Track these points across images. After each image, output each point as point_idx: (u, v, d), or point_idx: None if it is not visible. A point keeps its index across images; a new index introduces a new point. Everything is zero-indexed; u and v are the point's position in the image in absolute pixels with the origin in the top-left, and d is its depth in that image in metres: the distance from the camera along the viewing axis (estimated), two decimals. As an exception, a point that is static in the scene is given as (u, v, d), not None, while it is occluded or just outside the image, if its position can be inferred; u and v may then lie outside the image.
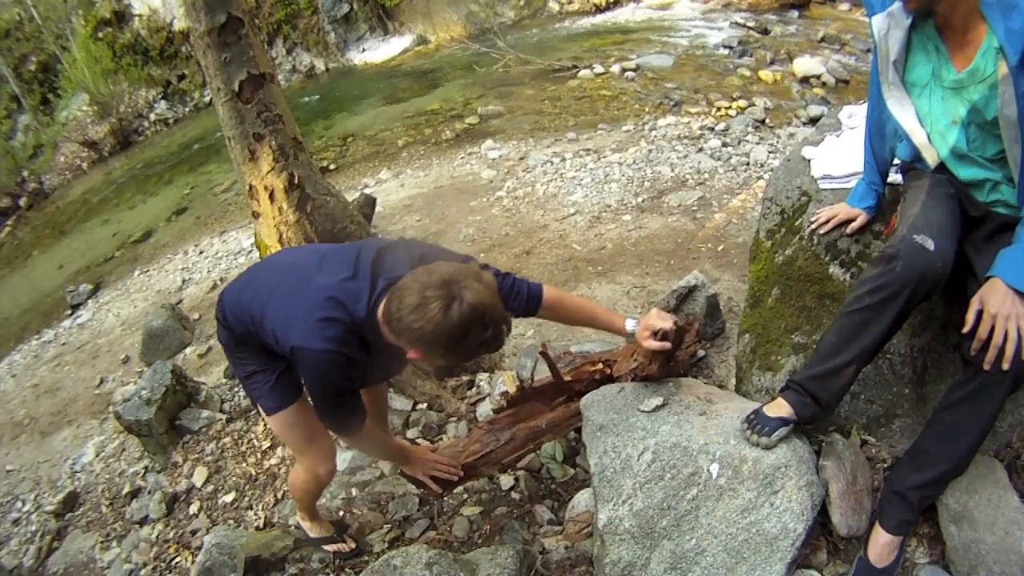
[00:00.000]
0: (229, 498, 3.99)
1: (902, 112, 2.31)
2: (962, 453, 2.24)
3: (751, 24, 12.43)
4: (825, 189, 2.80)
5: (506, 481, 3.38)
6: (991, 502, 2.28)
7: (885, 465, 2.58)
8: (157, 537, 4.00)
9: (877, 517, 2.34)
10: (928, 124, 2.27)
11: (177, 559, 3.79)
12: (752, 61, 11.01)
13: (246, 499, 3.95)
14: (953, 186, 2.29)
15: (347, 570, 3.15)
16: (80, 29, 15.74)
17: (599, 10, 15.05)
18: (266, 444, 4.24)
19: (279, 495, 3.88)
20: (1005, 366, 1.98)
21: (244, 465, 4.16)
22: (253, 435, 4.35)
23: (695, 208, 6.58)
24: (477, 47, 13.32)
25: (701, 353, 3.82)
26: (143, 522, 4.18)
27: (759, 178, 6.95)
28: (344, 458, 3.71)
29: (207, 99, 14.63)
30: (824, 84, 9.84)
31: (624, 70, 11.34)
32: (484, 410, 3.92)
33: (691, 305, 3.97)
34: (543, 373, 3.19)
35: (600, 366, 3.12)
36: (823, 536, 2.38)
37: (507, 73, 12.37)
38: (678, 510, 2.28)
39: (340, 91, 14.55)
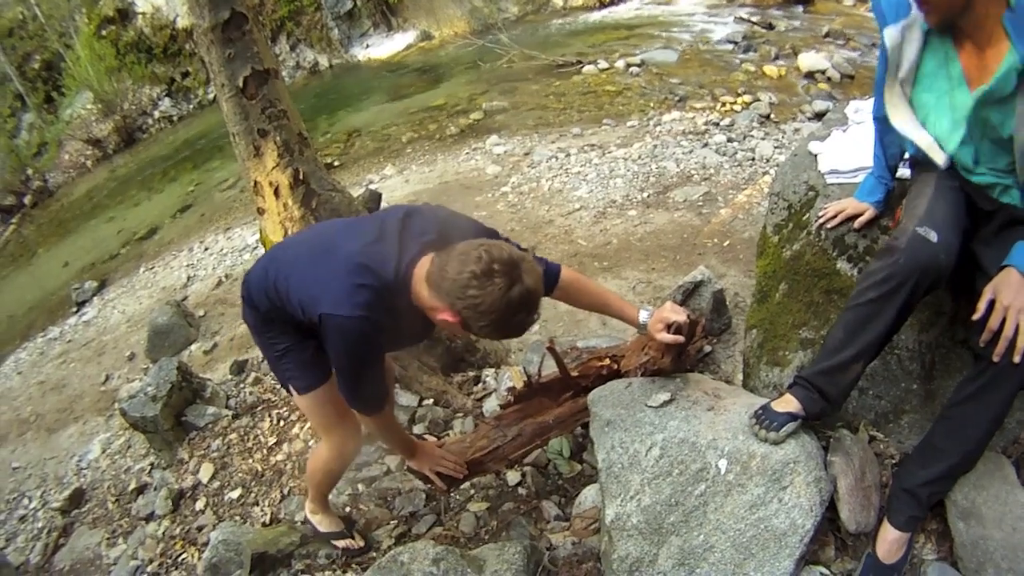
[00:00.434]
0: (235, 494, 3.99)
1: (907, 126, 2.28)
2: (971, 449, 2.23)
3: (756, 19, 12.40)
4: (832, 184, 2.79)
5: (513, 477, 3.37)
6: (999, 498, 2.27)
7: (893, 461, 2.58)
8: (163, 533, 4.00)
9: (885, 513, 2.33)
10: (934, 130, 2.24)
11: (183, 555, 3.80)
12: (757, 56, 10.99)
13: (252, 495, 3.95)
14: (960, 180, 2.27)
15: (353, 566, 3.14)
16: (84, 27, 15.76)
17: (603, 5, 15.04)
18: (272, 440, 4.24)
19: (285, 491, 3.88)
20: (1016, 359, 1.97)
21: (250, 461, 4.16)
22: (259, 431, 4.35)
23: (700, 203, 6.57)
24: (481, 43, 13.30)
25: (708, 348, 3.81)
26: (149, 518, 4.18)
27: (764, 173, 6.93)
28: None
29: (211, 96, 14.63)
30: (829, 79, 9.81)
31: (628, 65, 11.32)
32: (490, 406, 3.91)
33: (697, 300, 3.96)
34: (550, 369, 3.18)
35: (607, 361, 3.11)
36: (831, 532, 2.37)
37: (511, 69, 12.36)
38: (686, 506, 2.27)
39: (344, 87, 14.54)
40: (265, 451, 4.19)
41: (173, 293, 8.05)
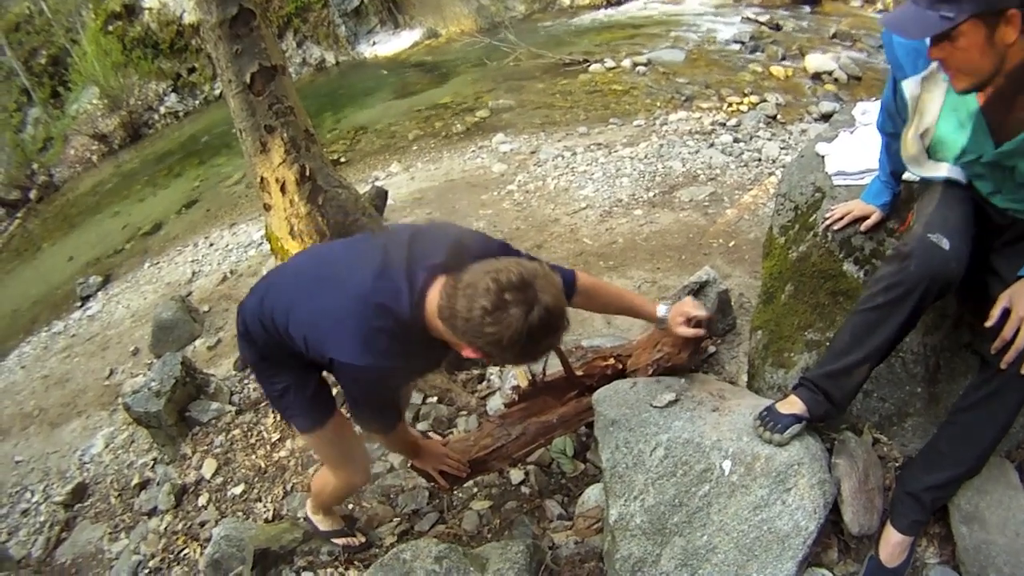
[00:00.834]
0: (238, 490, 4.00)
1: (921, 168, 2.25)
2: (976, 456, 2.23)
3: (763, 19, 12.37)
4: (839, 186, 2.79)
5: (516, 475, 3.38)
6: (1002, 503, 2.27)
7: (897, 464, 2.58)
8: (166, 529, 4.01)
9: (889, 516, 2.33)
10: (940, 133, 2.16)
11: (186, 551, 3.80)
12: (764, 57, 10.95)
13: (255, 491, 3.95)
14: (972, 188, 2.25)
15: (356, 563, 3.15)
16: (90, 22, 15.75)
17: (610, 4, 15.01)
18: (275, 436, 4.25)
19: (288, 487, 3.88)
20: None
21: (253, 457, 4.17)
22: (263, 427, 4.35)
23: (706, 203, 6.55)
24: (488, 41, 13.28)
25: (712, 349, 3.80)
26: (152, 513, 4.19)
27: (771, 174, 6.91)
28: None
29: (217, 92, 14.62)
30: (836, 80, 9.78)
31: (635, 65, 11.29)
32: (494, 404, 3.91)
33: (702, 301, 3.95)
34: (555, 368, 3.18)
35: (612, 361, 3.11)
36: (834, 534, 2.37)
37: (518, 67, 12.34)
38: (690, 506, 2.27)
39: (350, 84, 14.54)
40: (268, 447, 4.20)
41: (177, 288, 8.04)
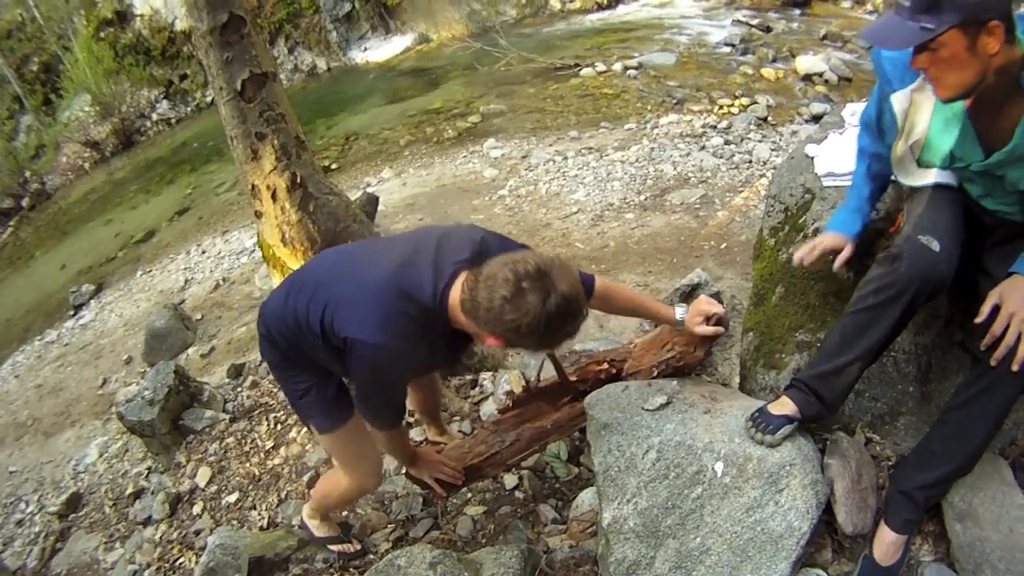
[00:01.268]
0: (233, 498, 3.99)
1: (912, 179, 2.26)
2: (969, 453, 2.22)
3: (753, 22, 12.41)
4: (828, 187, 2.79)
5: (510, 480, 3.38)
6: (996, 500, 2.27)
7: (890, 463, 2.58)
8: (161, 538, 4.00)
9: (882, 515, 2.33)
10: (928, 134, 2.17)
11: (181, 560, 3.80)
12: (754, 59, 10.99)
13: (250, 499, 3.95)
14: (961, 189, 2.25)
15: (351, 570, 3.14)
16: (82, 29, 15.75)
17: (601, 8, 15.04)
18: (269, 444, 4.24)
19: (283, 495, 3.87)
20: (1015, 367, 1.96)
21: (248, 465, 4.16)
22: (257, 435, 4.35)
23: (698, 206, 6.58)
24: (479, 46, 13.30)
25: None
26: (147, 523, 4.18)
27: (762, 176, 6.94)
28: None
29: (209, 99, 14.62)
30: (827, 82, 9.81)
31: (626, 68, 11.32)
32: (488, 409, 3.91)
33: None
34: (549, 373, 3.18)
35: (606, 365, 3.12)
36: (828, 534, 2.37)
37: (509, 72, 12.36)
38: (683, 509, 2.27)
39: (342, 90, 14.54)
40: (262, 455, 4.19)
41: (170, 296, 8.04)
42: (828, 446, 2.43)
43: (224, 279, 7.89)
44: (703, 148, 7.97)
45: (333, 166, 10.65)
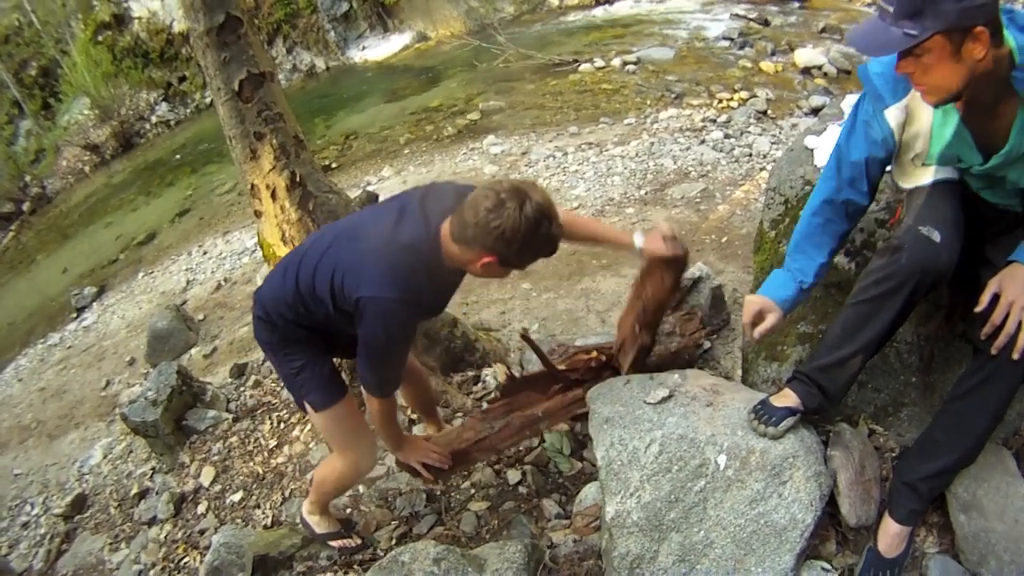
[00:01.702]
0: (236, 497, 4.00)
1: (909, 181, 2.25)
2: (972, 443, 2.22)
3: (751, 15, 12.38)
4: (828, 178, 2.79)
5: (513, 476, 3.38)
6: (1000, 490, 2.28)
7: (893, 454, 2.58)
8: (165, 537, 4.01)
9: (886, 507, 2.33)
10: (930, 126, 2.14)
11: (186, 559, 3.80)
12: (753, 52, 10.97)
13: (253, 498, 3.95)
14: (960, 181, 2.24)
15: (355, 567, 3.14)
16: (80, 33, 15.72)
17: (599, 4, 15.01)
18: (273, 443, 4.25)
19: (286, 493, 3.88)
20: (1015, 355, 1.96)
21: (251, 464, 4.16)
22: (260, 434, 4.35)
23: (698, 200, 6.57)
24: (477, 43, 13.28)
25: (707, 345, 3.81)
26: (151, 523, 4.19)
27: (762, 169, 6.92)
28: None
29: (208, 100, 14.60)
30: (826, 74, 9.79)
31: (625, 63, 11.30)
32: (490, 406, 3.91)
33: (696, 297, 3.96)
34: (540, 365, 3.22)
35: (595, 353, 3.16)
36: (832, 527, 2.37)
37: (508, 68, 12.34)
38: (686, 502, 2.28)
39: (341, 89, 14.53)
40: (266, 454, 4.20)
41: (172, 297, 8.04)
42: (831, 438, 2.44)
43: (226, 279, 7.89)
44: (703, 142, 7.96)
45: (333, 165, 10.63)
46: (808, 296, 2.47)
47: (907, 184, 2.25)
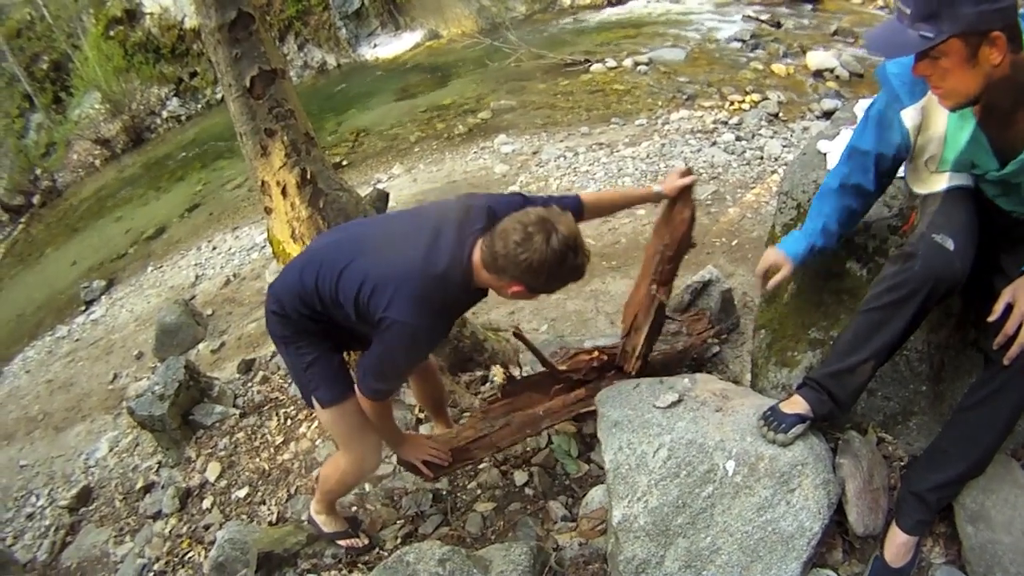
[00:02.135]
0: (242, 493, 4.00)
1: (924, 187, 2.24)
2: (981, 454, 2.21)
3: (764, 17, 12.36)
4: (841, 183, 2.77)
5: (520, 477, 3.37)
6: (1008, 502, 2.26)
7: (902, 463, 2.57)
8: (170, 532, 4.01)
9: (894, 516, 2.32)
10: (945, 130, 2.12)
11: (190, 554, 3.80)
12: (765, 55, 10.95)
13: (259, 494, 3.95)
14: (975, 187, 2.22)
15: (360, 566, 3.14)
16: (91, 28, 15.79)
17: (611, 4, 15.00)
18: (279, 439, 4.25)
19: (292, 490, 3.88)
20: None
21: (257, 460, 4.17)
22: (267, 430, 4.35)
23: (709, 202, 6.55)
24: (489, 42, 13.27)
25: (716, 348, 3.80)
26: (156, 517, 4.19)
27: (773, 172, 6.91)
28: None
29: (219, 96, 14.63)
30: (838, 78, 9.77)
31: (636, 64, 11.29)
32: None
33: (705, 300, 3.95)
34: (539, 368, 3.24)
35: (596, 353, 3.19)
36: (839, 535, 2.36)
37: (519, 68, 12.34)
38: (693, 508, 2.26)
39: (352, 87, 14.55)
40: (272, 450, 4.20)
41: (181, 292, 8.06)
42: (840, 445, 2.42)
43: (235, 275, 7.91)
44: (714, 144, 7.95)
45: (343, 162, 10.65)
46: (818, 256, 2.53)
47: (921, 190, 2.23)
